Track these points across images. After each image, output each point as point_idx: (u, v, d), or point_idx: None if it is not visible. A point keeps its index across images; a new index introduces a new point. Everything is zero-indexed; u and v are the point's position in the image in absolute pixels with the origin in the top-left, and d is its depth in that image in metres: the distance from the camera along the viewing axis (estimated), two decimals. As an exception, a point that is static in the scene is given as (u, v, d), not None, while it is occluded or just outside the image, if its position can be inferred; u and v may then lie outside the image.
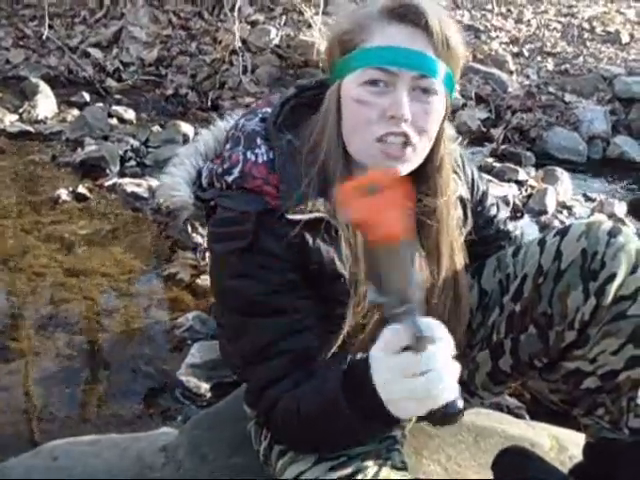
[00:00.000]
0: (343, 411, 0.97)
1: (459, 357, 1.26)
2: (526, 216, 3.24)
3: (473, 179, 1.28)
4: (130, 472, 1.37)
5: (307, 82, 1.18)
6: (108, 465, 1.38)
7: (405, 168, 1.06)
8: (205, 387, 1.89)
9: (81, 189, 3.18)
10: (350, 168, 1.09)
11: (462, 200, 1.21)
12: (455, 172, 1.20)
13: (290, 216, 1.04)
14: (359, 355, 1.00)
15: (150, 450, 1.42)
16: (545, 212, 3.25)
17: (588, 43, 5.93)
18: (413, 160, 1.07)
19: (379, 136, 1.03)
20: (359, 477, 1.01)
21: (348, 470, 1.02)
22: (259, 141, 1.09)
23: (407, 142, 1.04)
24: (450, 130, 1.17)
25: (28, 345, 2.09)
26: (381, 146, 1.04)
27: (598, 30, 6.25)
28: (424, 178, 1.11)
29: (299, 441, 1.09)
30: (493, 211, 1.32)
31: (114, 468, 1.38)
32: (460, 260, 1.17)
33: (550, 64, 5.35)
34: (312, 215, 1.04)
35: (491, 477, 1.31)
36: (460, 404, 0.88)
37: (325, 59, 1.12)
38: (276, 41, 5.07)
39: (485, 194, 1.31)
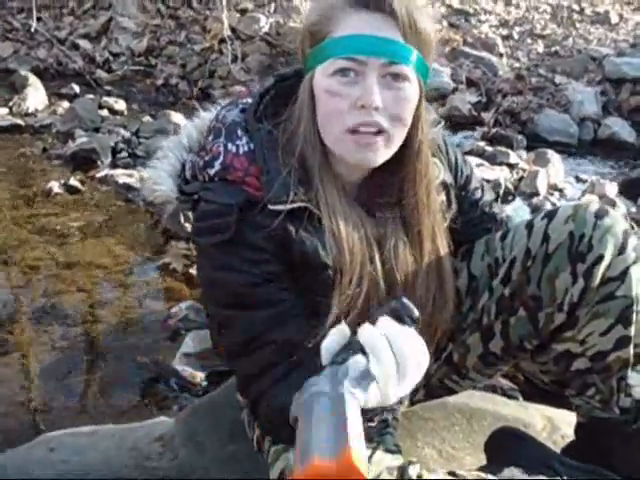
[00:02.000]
0: None
1: (448, 341, 1.29)
2: (517, 199, 3.25)
3: (456, 163, 1.28)
4: (127, 462, 1.38)
5: (285, 72, 1.18)
6: (105, 456, 1.39)
7: (379, 157, 1.07)
8: (200, 376, 1.90)
9: (73, 181, 3.17)
10: (328, 158, 1.09)
11: (445, 185, 1.21)
12: (437, 157, 1.21)
13: (272, 207, 1.04)
14: None
15: (146, 440, 1.43)
16: (537, 194, 3.26)
17: (577, 24, 5.93)
18: (388, 149, 1.07)
19: (351, 126, 1.03)
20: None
21: (341, 454, 1.03)
22: (239, 132, 1.10)
23: (380, 130, 1.04)
24: (430, 115, 1.16)
25: (24, 337, 2.09)
26: (353, 137, 1.04)
27: (587, 11, 6.24)
28: (403, 164, 1.12)
29: (280, 434, 1.09)
30: (478, 194, 1.32)
31: (111, 459, 1.39)
32: (443, 244, 1.18)
33: (540, 46, 5.35)
34: (294, 205, 1.05)
35: (485, 458, 1.32)
36: (416, 313, 0.90)
37: (299, 49, 1.12)
38: (265, 29, 5.05)
39: (469, 178, 1.31)
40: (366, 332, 0.86)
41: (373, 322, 0.88)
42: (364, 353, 0.85)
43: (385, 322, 0.87)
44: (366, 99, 1.01)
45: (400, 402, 1.28)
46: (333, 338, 0.90)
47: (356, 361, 0.85)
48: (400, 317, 0.88)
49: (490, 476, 1.11)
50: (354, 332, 1.01)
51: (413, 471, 1.00)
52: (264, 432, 1.18)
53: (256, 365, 1.07)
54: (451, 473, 1.10)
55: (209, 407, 1.49)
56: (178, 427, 1.45)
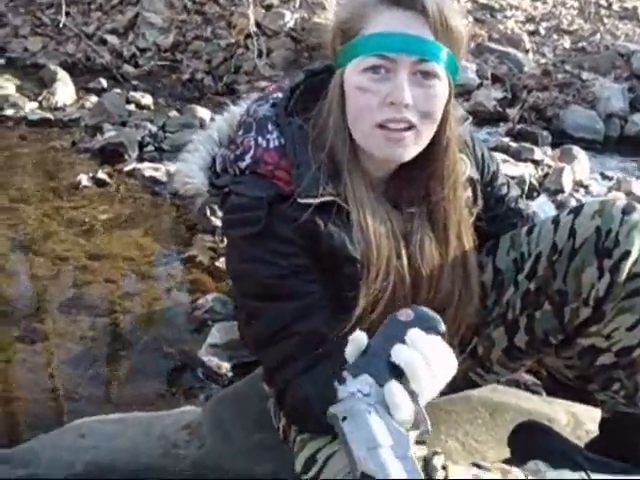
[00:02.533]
0: None
1: (473, 335, 1.29)
2: (542, 195, 3.23)
3: (483, 160, 1.29)
4: (155, 449, 1.41)
5: (316, 67, 1.19)
6: (134, 442, 1.42)
7: (408, 153, 1.08)
8: (226, 366, 1.93)
9: (101, 174, 3.21)
10: (357, 154, 1.10)
11: (471, 181, 1.22)
12: (464, 153, 1.22)
13: (301, 200, 1.06)
14: None
15: (174, 428, 1.46)
16: (562, 191, 3.24)
17: (605, 20, 5.86)
18: (416, 145, 1.08)
19: (380, 122, 1.04)
20: (377, 450, 1.03)
21: (366, 444, 1.05)
22: (270, 126, 1.11)
23: (409, 126, 1.05)
24: (458, 111, 1.17)
25: (52, 327, 2.13)
26: (383, 132, 1.05)
27: (615, 7, 6.17)
28: (431, 160, 1.12)
29: (306, 425, 1.12)
30: (504, 190, 1.33)
31: (140, 445, 1.42)
32: (469, 239, 1.19)
33: (567, 42, 5.30)
34: (323, 199, 1.06)
35: (507, 452, 1.33)
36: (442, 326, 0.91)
37: (329, 46, 1.13)
38: (291, 24, 5.06)
39: (495, 174, 1.31)
40: (404, 354, 0.86)
41: (401, 334, 0.88)
42: (397, 374, 0.84)
43: (416, 334, 0.88)
44: (396, 96, 1.02)
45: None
46: (349, 349, 0.90)
47: (390, 391, 0.83)
48: (429, 328, 0.88)
49: (514, 468, 1.12)
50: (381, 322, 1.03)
51: (438, 462, 1.01)
52: (290, 421, 1.20)
53: (282, 356, 1.09)
54: (475, 465, 1.11)
55: (235, 397, 1.51)
56: (205, 416, 1.47)
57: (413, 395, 0.82)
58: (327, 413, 0.82)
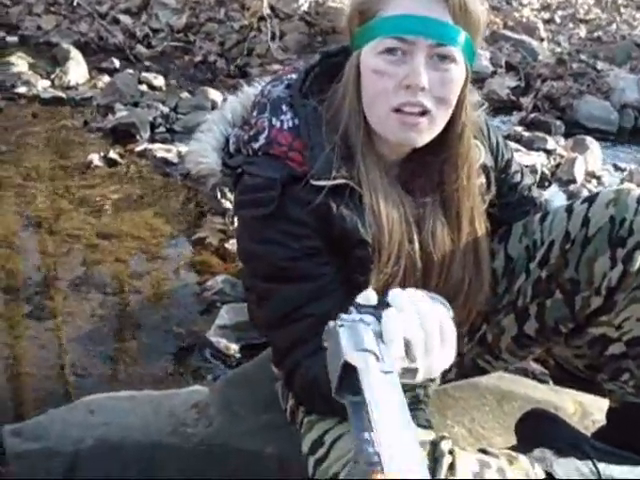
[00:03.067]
0: None
1: (482, 321, 1.29)
2: (554, 185, 3.22)
3: (497, 146, 1.28)
4: (164, 427, 1.42)
5: (331, 49, 1.18)
6: (143, 420, 1.44)
7: (423, 138, 1.07)
8: (234, 348, 1.94)
9: (112, 154, 3.22)
10: (371, 137, 1.10)
11: (485, 167, 1.22)
12: (478, 139, 1.21)
13: (314, 182, 1.06)
14: None
15: (183, 407, 1.47)
16: (574, 181, 3.22)
17: (622, 9, 5.80)
18: (431, 130, 1.07)
19: (396, 105, 1.04)
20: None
21: (373, 427, 1.05)
22: (284, 107, 1.11)
23: (424, 111, 1.04)
24: (473, 96, 1.16)
25: (63, 305, 2.14)
26: (398, 116, 1.04)
27: (633, -4, 6.10)
28: (445, 146, 1.12)
29: (315, 406, 1.13)
30: (517, 178, 1.33)
31: (149, 423, 1.43)
32: (481, 226, 1.18)
33: (582, 31, 5.25)
34: (336, 181, 1.06)
35: (514, 439, 1.33)
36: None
37: (346, 28, 1.12)
38: (304, 7, 5.03)
39: (509, 161, 1.31)
40: (393, 292, 0.81)
41: None
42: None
43: (414, 291, 0.83)
44: (412, 79, 1.02)
45: (432, 379, 1.30)
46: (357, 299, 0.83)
47: (387, 317, 0.76)
48: (434, 298, 0.87)
49: (521, 455, 1.13)
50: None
51: (445, 446, 1.02)
52: (298, 403, 1.21)
53: (292, 338, 1.09)
54: (482, 450, 1.11)
55: (244, 378, 1.52)
56: (213, 396, 1.49)
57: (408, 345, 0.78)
58: (325, 328, 0.78)
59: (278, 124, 1.10)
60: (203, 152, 1.18)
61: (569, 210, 1.21)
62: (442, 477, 0.98)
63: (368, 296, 0.81)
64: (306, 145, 1.08)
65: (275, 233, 1.08)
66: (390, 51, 1.03)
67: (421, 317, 0.78)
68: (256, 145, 1.11)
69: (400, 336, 0.75)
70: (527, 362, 1.69)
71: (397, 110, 1.04)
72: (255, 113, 1.14)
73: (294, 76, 1.16)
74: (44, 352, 1.94)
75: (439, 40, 1.02)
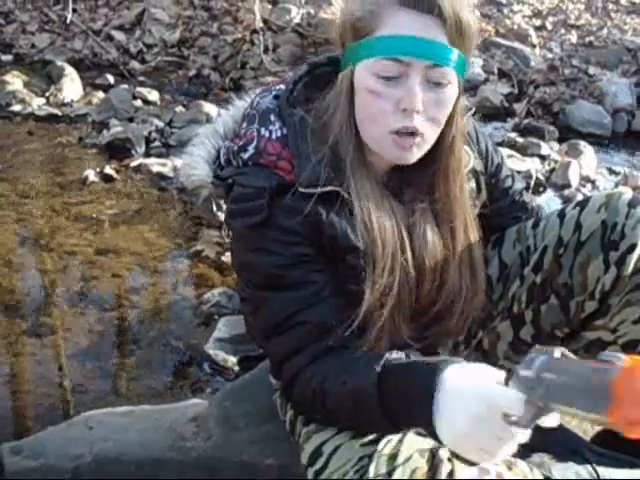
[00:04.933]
0: (371, 412, 1.00)
1: (478, 328, 1.30)
2: (549, 190, 3.23)
3: (487, 151, 1.29)
4: (163, 442, 1.42)
5: (319, 59, 1.19)
6: (142, 435, 1.43)
7: (414, 156, 1.09)
8: (232, 360, 1.94)
9: (108, 170, 3.22)
10: (362, 149, 1.11)
11: (475, 172, 1.23)
12: (467, 145, 1.22)
13: (303, 190, 1.06)
14: (396, 355, 1.02)
15: (181, 421, 1.47)
16: (568, 186, 3.23)
17: (613, 14, 5.82)
18: (422, 148, 1.08)
19: (394, 130, 1.05)
20: (382, 443, 1.03)
21: (371, 437, 1.05)
22: (272, 118, 1.12)
23: (415, 132, 1.05)
24: (462, 102, 1.17)
25: (60, 321, 2.14)
26: (394, 138, 1.06)
27: (623, 1, 6.13)
28: (435, 158, 1.13)
29: (315, 416, 1.12)
30: (508, 183, 1.33)
31: (148, 438, 1.43)
32: (474, 233, 1.19)
33: (574, 37, 5.27)
34: (326, 188, 1.07)
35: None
36: None
37: (337, 38, 1.12)
38: (297, 20, 5.05)
39: (499, 166, 1.31)
40: None
41: None
42: None
43: None
44: (408, 102, 1.03)
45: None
46: None
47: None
48: None
49: (519, 461, 1.13)
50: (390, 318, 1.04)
51: (444, 454, 1.02)
52: (297, 412, 1.20)
53: (288, 346, 1.09)
54: (480, 457, 1.11)
55: (242, 389, 1.52)
56: (212, 408, 1.48)
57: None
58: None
59: (267, 134, 1.11)
60: (195, 165, 1.19)
61: (561, 215, 1.22)
62: (442, 485, 0.98)
63: None
64: (295, 154, 1.09)
65: (266, 241, 1.08)
66: (386, 72, 1.03)
67: None
68: (245, 155, 1.11)
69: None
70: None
71: (395, 132, 1.05)
72: (244, 124, 1.15)
73: (282, 87, 1.17)
74: (42, 369, 1.94)
75: (435, 62, 1.03)
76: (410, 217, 1.13)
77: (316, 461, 1.10)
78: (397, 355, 1.02)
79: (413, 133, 1.05)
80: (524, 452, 1.19)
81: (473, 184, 1.22)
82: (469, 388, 0.91)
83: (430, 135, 1.07)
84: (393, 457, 1.01)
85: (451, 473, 1.00)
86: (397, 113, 1.04)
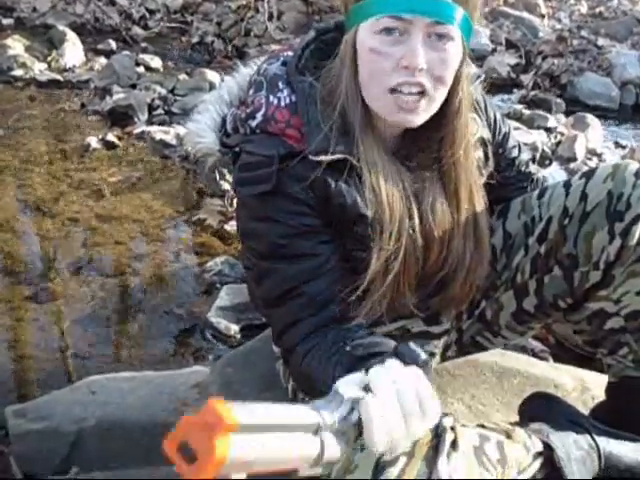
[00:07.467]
0: None
1: (482, 298, 1.30)
2: (555, 163, 3.21)
3: (495, 121, 1.27)
4: (165, 407, 1.43)
5: (326, 25, 1.17)
6: (144, 400, 1.44)
7: (419, 119, 1.07)
8: (235, 328, 1.94)
9: (110, 137, 3.20)
10: (369, 114, 1.09)
11: (483, 141, 1.21)
12: (476, 112, 1.20)
13: (313, 157, 1.05)
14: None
15: (183, 387, 1.48)
16: (574, 159, 3.21)
17: (623, -15, 5.73)
18: (428, 110, 1.07)
19: (392, 86, 1.03)
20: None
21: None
22: (281, 85, 1.10)
23: (423, 92, 1.03)
24: (470, 69, 1.15)
25: (63, 287, 2.15)
26: (395, 97, 1.04)
27: (634, -29, 6.03)
28: (443, 122, 1.11)
29: (309, 386, 1.11)
30: (515, 153, 1.32)
31: (150, 403, 1.44)
32: (480, 202, 1.18)
33: (583, 7, 5.20)
34: (335, 157, 1.05)
35: (514, 416, 1.34)
36: (422, 356, 0.86)
37: (341, 2, 1.11)
38: (302, -14, 4.98)
39: (507, 136, 1.30)
40: (373, 372, 0.81)
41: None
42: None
43: (391, 363, 0.83)
44: (410, 60, 1.01)
45: (433, 355, 1.30)
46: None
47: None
48: (405, 362, 0.85)
49: (517, 428, 1.13)
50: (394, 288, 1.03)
51: (447, 423, 1.03)
52: (296, 382, 1.21)
53: (289, 316, 1.09)
54: (480, 426, 1.12)
55: (244, 357, 1.52)
56: (214, 375, 1.49)
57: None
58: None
59: (275, 101, 1.10)
60: (201, 132, 1.18)
61: (567, 186, 1.21)
62: (445, 452, 0.99)
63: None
64: (304, 121, 1.07)
65: (273, 210, 1.08)
66: (387, 30, 1.02)
67: (401, 398, 0.79)
68: (253, 123, 1.10)
69: (383, 441, 0.77)
70: (527, 339, 1.69)
71: (393, 90, 1.03)
72: (252, 91, 1.13)
73: (290, 53, 1.15)
74: (45, 334, 1.94)
75: (437, 18, 1.01)
76: (419, 184, 1.12)
77: (317, 428, 1.11)
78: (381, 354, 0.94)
79: (421, 93, 1.03)
80: (524, 423, 1.20)
81: (481, 153, 1.21)
82: None
83: (437, 95, 1.05)
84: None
85: (454, 442, 1.01)
86: (397, 70, 1.02)
